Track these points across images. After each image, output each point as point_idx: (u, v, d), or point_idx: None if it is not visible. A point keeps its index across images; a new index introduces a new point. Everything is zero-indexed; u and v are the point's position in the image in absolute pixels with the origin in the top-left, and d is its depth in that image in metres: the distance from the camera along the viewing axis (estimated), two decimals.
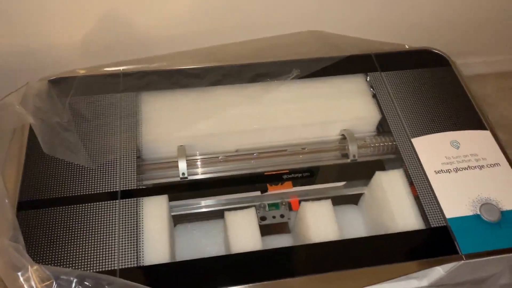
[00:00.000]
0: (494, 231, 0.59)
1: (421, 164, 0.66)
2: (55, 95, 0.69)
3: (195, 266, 0.55)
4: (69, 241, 0.56)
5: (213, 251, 0.67)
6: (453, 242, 0.58)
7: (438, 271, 0.61)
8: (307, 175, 0.68)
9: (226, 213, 0.62)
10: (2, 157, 0.54)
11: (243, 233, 0.60)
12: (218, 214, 0.69)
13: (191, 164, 0.67)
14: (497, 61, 1.21)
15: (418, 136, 0.69)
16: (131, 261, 0.55)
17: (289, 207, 0.70)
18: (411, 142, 0.68)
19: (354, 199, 0.73)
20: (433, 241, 0.59)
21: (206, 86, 0.74)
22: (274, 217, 0.69)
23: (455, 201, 0.62)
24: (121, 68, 0.75)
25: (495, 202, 0.62)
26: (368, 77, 0.77)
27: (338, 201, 0.69)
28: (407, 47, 0.85)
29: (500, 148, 0.68)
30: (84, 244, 0.56)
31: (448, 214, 0.61)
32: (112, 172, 0.63)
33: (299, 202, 0.69)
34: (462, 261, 0.57)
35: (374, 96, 0.75)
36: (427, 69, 0.78)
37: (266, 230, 0.66)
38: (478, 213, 0.61)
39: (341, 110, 0.74)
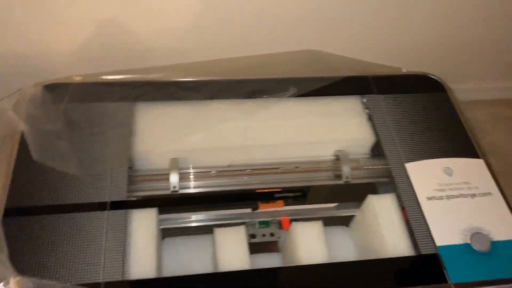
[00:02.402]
0: (485, 261, 0.59)
1: (413, 190, 0.66)
2: (49, 101, 0.68)
3: (181, 283, 0.54)
4: (54, 251, 0.55)
5: (200, 267, 0.66)
6: (442, 270, 0.58)
7: None
8: (300, 195, 0.67)
9: (216, 230, 0.62)
10: None
11: (231, 251, 0.59)
12: (207, 229, 0.68)
13: (183, 177, 0.67)
14: (491, 88, 1.23)
15: (412, 161, 0.69)
16: (116, 275, 0.54)
17: (280, 226, 0.69)
18: (404, 166, 0.68)
19: (345, 221, 0.72)
20: (422, 269, 0.59)
21: (201, 99, 0.74)
22: (264, 235, 0.68)
23: (446, 229, 0.62)
24: (117, 77, 0.74)
25: (486, 231, 0.62)
26: (364, 99, 0.77)
27: (329, 222, 0.68)
28: (404, 70, 0.86)
29: (492, 177, 0.68)
30: (69, 255, 0.55)
31: (439, 242, 0.60)
32: (102, 183, 0.62)
33: (290, 221, 0.69)
34: None
35: (369, 118, 0.75)
36: (423, 94, 0.78)
37: (255, 248, 0.65)
38: (469, 242, 0.61)
39: (336, 131, 0.74)
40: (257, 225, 0.68)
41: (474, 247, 0.60)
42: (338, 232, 0.71)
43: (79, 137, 0.66)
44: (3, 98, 0.61)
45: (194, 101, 0.74)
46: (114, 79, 0.74)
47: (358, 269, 0.58)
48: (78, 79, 0.73)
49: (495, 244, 0.61)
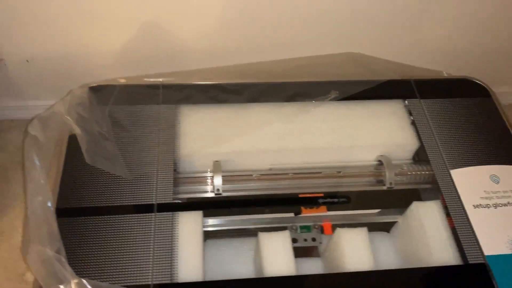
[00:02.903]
0: None
1: (459, 197, 0.65)
2: (95, 102, 0.69)
3: (230, 287, 0.55)
4: (104, 253, 0.56)
5: (240, 269, 0.67)
6: (491, 281, 0.57)
7: None
8: (343, 201, 0.67)
9: (260, 234, 0.62)
10: (46, 165, 0.54)
11: (277, 256, 0.59)
12: (248, 232, 0.68)
13: (225, 180, 0.67)
14: None
15: (457, 167, 0.68)
16: (165, 277, 0.55)
17: (321, 231, 0.69)
18: (449, 173, 0.67)
19: (386, 227, 0.72)
20: (470, 278, 0.58)
21: (243, 102, 0.74)
22: (305, 240, 0.68)
23: (494, 238, 0.61)
24: (160, 79, 0.75)
25: None
26: (406, 103, 0.76)
27: (371, 228, 0.68)
28: (446, 74, 0.84)
29: None
30: (119, 257, 0.56)
31: (487, 251, 0.60)
32: (149, 184, 0.63)
33: (332, 226, 0.69)
34: None
35: (412, 123, 0.74)
36: (466, 98, 0.77)
37: (296, 252, 0.65)
38: None
39: (379, 135, 0.73)
40: (298, 230, 0.68)
41: None
42: (379, 238, 0.71)
43: (125, 139, 0.67)
44: (57, 102, 0.62)
45: (235, 104, 0.74)
46: (157, 81, 0.75)
47: (405, 277, 0.58)
48: (122, 81, 0.74)
49: None
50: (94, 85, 0.72)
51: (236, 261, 0.68)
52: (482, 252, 0.59)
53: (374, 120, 0.74)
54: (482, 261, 0.59)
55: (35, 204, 0.51)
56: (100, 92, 0.71)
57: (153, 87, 0.74)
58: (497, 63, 1.08)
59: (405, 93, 0.77)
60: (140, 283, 0.54)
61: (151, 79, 0.75)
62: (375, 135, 0.73)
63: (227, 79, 0.77)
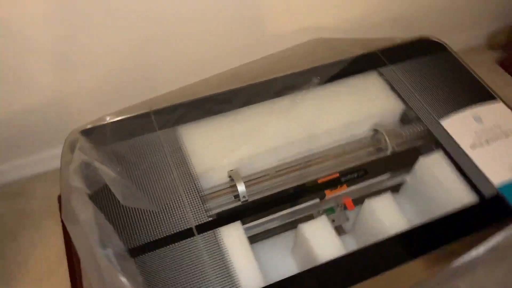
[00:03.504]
0: None
1: (456, 143, 0.71)
2: (92, 145, 0.67)
3: (294, 282, 0.56)
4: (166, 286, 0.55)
5: (283, 265, 0.69)
6: (509, 205, 0.64)
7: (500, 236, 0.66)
8: (362, 174, 0.71)
9: (301, 226, 0.64)
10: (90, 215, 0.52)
11: (326, 241, 0.61)
12: (282, 228, 0.70)
13: (247, 185, 0.68)
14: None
15: (445, 118, 0.74)
16: None
17: (344, 208, 0.72)
18: (441, 125, 0.73)
19: (396, 188, 0.77)
20: (491, 209, 0.64)
21: (236, 108, 0.75)
22: (333, 220, 0.71)
23: (498, 169, 0.68)
24: (148, 107, 0.73)
25: None
26: (380, 72, 0.81)
27: (383, 192, 0.72)
28: (399, 40, 0.91)
29: None
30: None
31: (496, 181, 0.66)
32: (179, 210, 0.62)
33: (352, 201, 0.72)
34: None
35: (392, 88, 0.80)
36: (429, 56, 0.84)
37: None
38: None
39: (367, 106, 0.77)
40: (324, 214, 0.71)
41: None
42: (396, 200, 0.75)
43: (138, 172, 0.65)
44: (64, 167, 0.60)
45: (230, 111, 0.75)
46: (146, 109, 0.73)
47: (439, 228, 0.63)
48: (109, 117, 0.72)
49: None
50: (85, 128, 0.69)
51: (274, 257, 0.70)
52: (492, 184, 0.66)
53: (359, 94, 0.79)
54: (495, 192, 0.65)
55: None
56: (94, 134, 0.69)
57: (143, 116, 0.73)
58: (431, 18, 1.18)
59: (376, 63, 0.83)
60: None
61: (138, 110, 0.73)
62: (364, 107, 0.77)
63: (211, 90, 0.77)
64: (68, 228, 0.54)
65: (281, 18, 0.93)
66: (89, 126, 0.69)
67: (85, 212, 0.52)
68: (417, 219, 0.71)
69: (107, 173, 0.60)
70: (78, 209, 0.53)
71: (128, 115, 0.72)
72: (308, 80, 0.79)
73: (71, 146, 0.65)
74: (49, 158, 0.93)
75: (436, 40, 0.87)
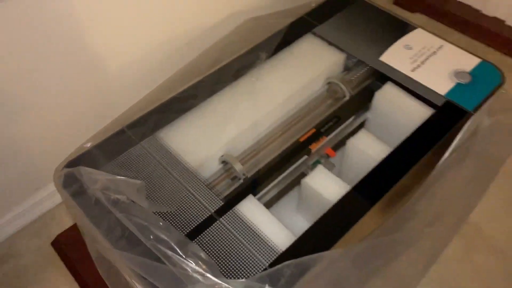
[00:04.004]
0: (473, 87, 0.78)
1: (399, 71, 0.81)
2: (86, 176, 0.67)
3: (321, 227, 0.62)
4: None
5: (296, 220, 0.75)
6: (459, 106, 0.75)
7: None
8: (336, 121, 0.78)
9: (304, 180, 0.70)
10: None
11: (332, 185, 0.68)
12: (282, 193, 0.76)
13: (242, 163, 0.72)
14: None
15: (381, 54, 0.84)
16: (273, 255, 0.59)
17: (327, 157, 0.80)
18: (380, 60, 0.83)
19: (361, 126, 0.86)
20: (448, 114, 0.75)
21: (203, 100, 0.78)
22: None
23: (440, 81, 0.79)
24: (120, 124, 0.74)
25: (461, 69, 0.80)
26: (315, 32, 0.89)
27: (355, 131, 0.81)
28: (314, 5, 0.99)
29: (434, 36, 0.88)
30: (229, 262, 0.58)
31: (443, 92, 0.77)
32: (194, 203, 0.65)
33: (332, 148, 0.80)
34: (472, 116, 0.74)
35: (329, 43, 0.88)
36: (348, 7, 0.94)
37: None
38: (458, 81, 0.79)
39: (315, 65, 0.85)
40: (311, 168, 0.77)
41: (462, 82, 0.78)
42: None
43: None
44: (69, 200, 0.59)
45: (198, 105, 0.78)
46: (118, 128, 0.74)
47: (414, 143, 0.72)
48: (89, 144, 0.71)
49: (471, 74, 0.80)
50: (68, 161, 0.69)
51: (281, 211, 0.76)
52: (441, 95, 0.77)
53: (304, 57, 0.86)
54: (446, 99, 0.76)
55: None
56: (81, 163, 0.68)
57: (120, 133, 0.73)
58: None
59: (308, 27, 0.91)
60: (256, 270, 0.58)
61: (114, 129, 0.73)
62: (313, 66, 0.85)
63: (171, 92, 0.80)
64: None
65: (210, 10, 0.97)
66: (72, 158, 0.69)
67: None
68: (394, 141, 0.79)
69: (130, 183, 0.61)
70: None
71: (105, 137, 0.73)
72: (256, 58, 0.85)
73: (64, 182, 0.65)
74: (28, 208, 0.89)
75: None
